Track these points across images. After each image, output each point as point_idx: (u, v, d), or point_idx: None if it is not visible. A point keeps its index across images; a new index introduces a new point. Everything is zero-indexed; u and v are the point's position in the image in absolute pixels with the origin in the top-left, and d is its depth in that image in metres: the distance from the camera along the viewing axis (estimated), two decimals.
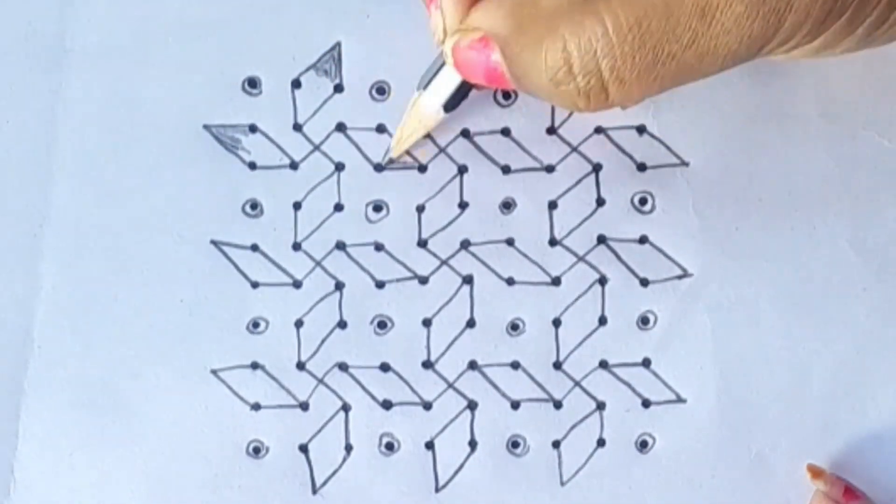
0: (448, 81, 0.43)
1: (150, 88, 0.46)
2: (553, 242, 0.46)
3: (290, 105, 0.46)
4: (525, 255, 0.46)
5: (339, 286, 0.46)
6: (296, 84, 0.46)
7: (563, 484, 0.46)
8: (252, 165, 0.46)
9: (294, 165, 0.46)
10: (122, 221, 0.46)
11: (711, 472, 0.46)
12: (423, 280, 0.46)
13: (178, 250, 0.46)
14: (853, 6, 0.37)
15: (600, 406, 0.46)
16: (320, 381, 0.46)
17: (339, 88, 0.46)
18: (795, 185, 0.46)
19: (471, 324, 0.46)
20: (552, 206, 0.46)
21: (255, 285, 0.46)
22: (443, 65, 0.42)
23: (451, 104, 0.43)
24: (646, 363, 0.46)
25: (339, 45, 0.46)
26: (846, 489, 0.45)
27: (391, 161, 0.46)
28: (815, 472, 0.45)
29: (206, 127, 0.46)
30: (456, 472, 0.46)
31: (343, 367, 0.46)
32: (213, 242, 0.46)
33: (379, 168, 0.46)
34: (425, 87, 0.43)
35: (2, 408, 0.45)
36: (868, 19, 0.38)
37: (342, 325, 0.46)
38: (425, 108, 0.44)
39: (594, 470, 0.46)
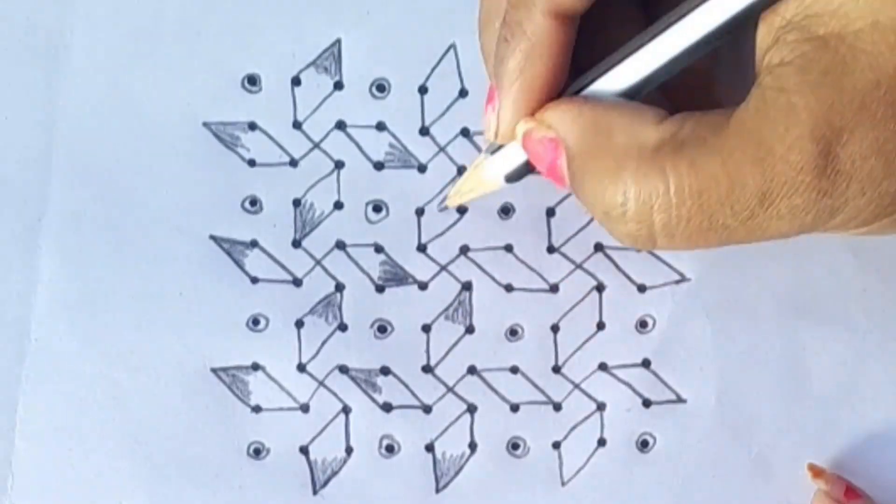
0: (515, 156, 0.41)
1: (149, 85, 0.46)
2: (551, 249, 0.46)
3: (290, 102, 0.46)
4: (523, 262, 0.46)
5: (340, 288, 0.46)
6: (296, 81, 0.46)
7: (563, 484, 0.46)
8: (251, 162, 0.46)
9: (294, 163, 0.46)
10: (120, 216, 0.46)
11: (712, 472, 0.46)
12: (423, 286, 0.46)
13: (177, 245, 0.46)
14: None
15: (600, 406, 0.46)
16: (321, 383, 0.46)
17: (338, 86, 0.46)
18: None
19: (470, 329, 0.46)
20: (550, 213, 0.46)
21: (254, 280, 0.46)
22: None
23: (514, 177, 0.42)
24: (646, 363, 0.46)
25: (339, 42, 0.46)
26: (847, 488, 0.45)
27: (445, 209, 0.46)
28: (816, 472, 0.45)
29: (205, 124, 0.46)
30: (456, 474, 0.46)
31: (343, 369, 0.46)
32: (213, 238, 0.46)
33: (379, 166, 0.46)
34: (493, 152, 0.42)
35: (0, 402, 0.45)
36: None
37: (343, 327, 0.46)
38: (487, 173, 0.43)
39: (595, 470, 0.46)
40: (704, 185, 0.36)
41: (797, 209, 0.35)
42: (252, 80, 0.46)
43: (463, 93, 0.46)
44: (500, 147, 0.41)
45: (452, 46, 0.46)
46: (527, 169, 0.41)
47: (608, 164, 0.37)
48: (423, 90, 0.46)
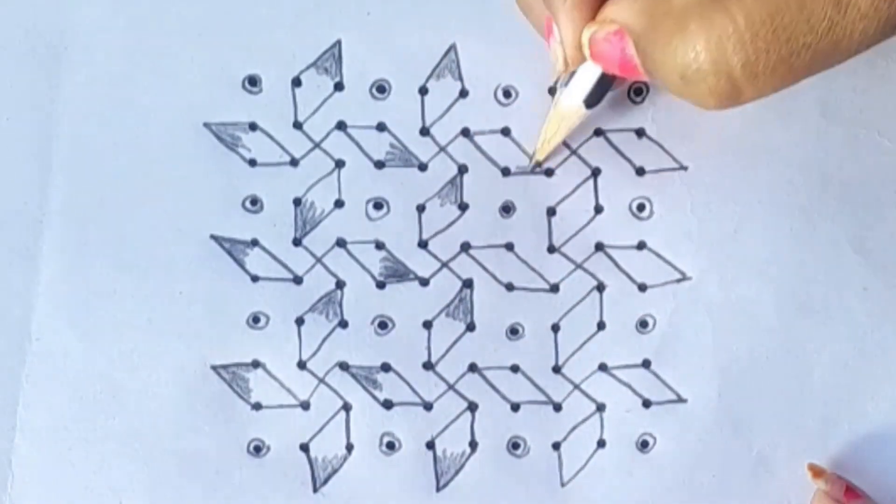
0: (588, 76, 0.42)
1: (150, 86, 0.46)
2: (551, 249, 0.46)
3: (291, 103, 0.46)
4: (524, 261, 0.46)
5: (340, 285, 0.46)
6: (296, 82, 0.46)
7: (563, 484, 0.46)
8: (252, 162, 0.46)
9: (294, 162, 0.46)
10: (120, 216, 0.46)
11: (712, 472, 0.46)
12: (424, 282, 0.46)
13: (177, 245, 0.46)
14: None
15: (600, 407, 0.46)
16: (321, 380, 0.46)
17: (339, 86, 0.46)
18: (795, 186, 0.46)
19: (471, 327, 0.46)
20: (551, 212, 0.46)
21: (255, 279, 0.46)
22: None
23: (593, 99, 0.43)
24: (646, 364, 0.46)
25: (339, 42, 0.46)
26: (847, 488, 0.45)
27: (538, 165, 0.46)
28: (816, 472, 0.45)
29: (206, 125, 0.46)
30: (456, 473, 0.46)
31: (344, 366, 0.46)
32: (213, 237, 0.46)
33: (379, 165, 0.46)
34: (565, 84, 0.43)
35: (0, 401, 0.45)
36: None
37: (343, 324, 0.46)
38: (566, 105, 0.43)
39: (595, 470, 0.46)
40: (774, 8, 0.35)
41: (878, 1, 0.35)
42: (253, 81, 0.46)
43: (463, 93, 0.46)
44: (572, 76, 0.42)
45: (452, 47, 0.46)
46: (603, 85, 0.42)
47: (671, 26, 0.37)
48: (423, 91, 0.46)
